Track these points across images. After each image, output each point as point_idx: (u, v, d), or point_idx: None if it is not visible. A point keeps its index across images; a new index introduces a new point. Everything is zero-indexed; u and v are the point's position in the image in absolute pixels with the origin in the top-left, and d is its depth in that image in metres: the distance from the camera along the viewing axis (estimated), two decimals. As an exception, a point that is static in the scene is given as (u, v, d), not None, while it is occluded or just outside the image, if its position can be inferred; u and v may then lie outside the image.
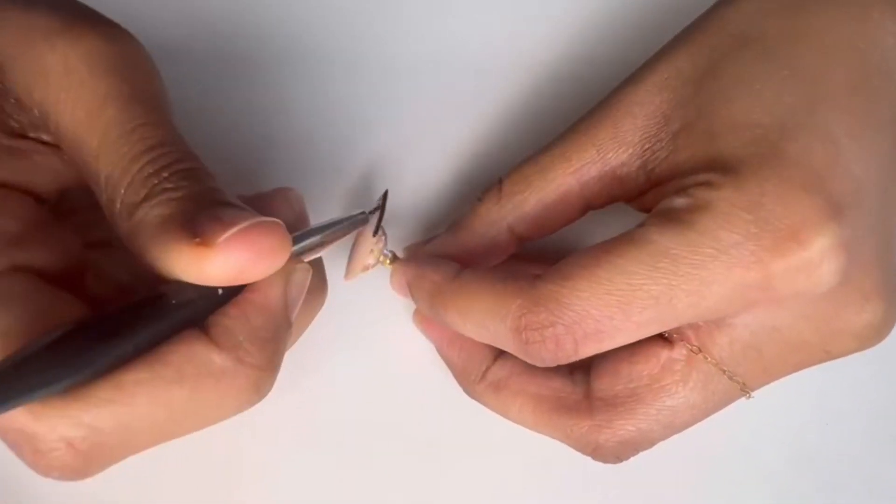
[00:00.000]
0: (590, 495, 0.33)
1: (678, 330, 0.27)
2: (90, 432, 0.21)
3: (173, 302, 0.22)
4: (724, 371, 0.27)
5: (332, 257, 0.29)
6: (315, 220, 0.28)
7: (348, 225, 0.28)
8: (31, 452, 0.21)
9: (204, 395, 0.22)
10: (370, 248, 0.30)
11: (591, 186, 0.28)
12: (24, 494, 0.30)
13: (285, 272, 0.24)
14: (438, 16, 0.34)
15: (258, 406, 0.24)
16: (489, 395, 0.30)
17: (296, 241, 0.25)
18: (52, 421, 0.21)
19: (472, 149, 0.34)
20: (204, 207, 0.22)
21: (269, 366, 0.23)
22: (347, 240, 0.28)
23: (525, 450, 0.32)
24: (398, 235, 0.33)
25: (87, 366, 0.21)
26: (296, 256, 0.25)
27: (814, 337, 0.26)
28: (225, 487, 0.32)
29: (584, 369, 0.29)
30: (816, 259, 0.24)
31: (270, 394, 0.24)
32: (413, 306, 0.32)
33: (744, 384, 0.27)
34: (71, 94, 0.23)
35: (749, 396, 0.27)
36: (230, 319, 0.23)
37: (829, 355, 0.27)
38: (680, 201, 0.24)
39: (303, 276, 0.25)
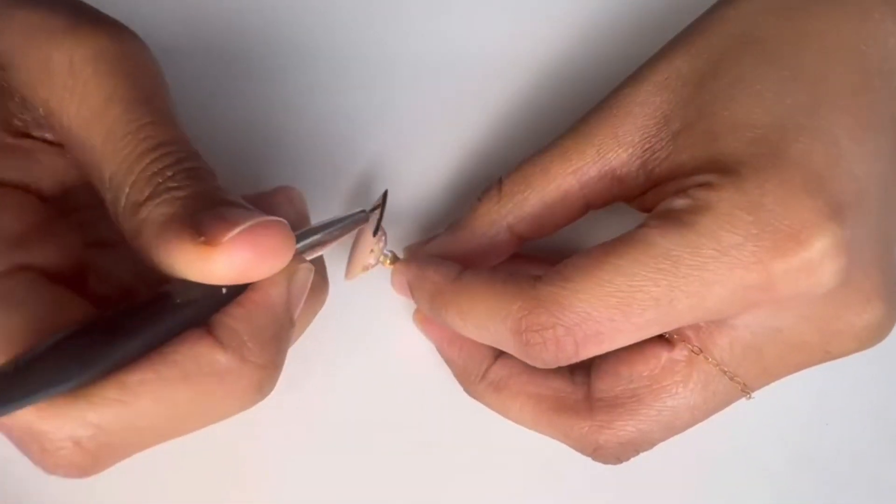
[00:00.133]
0: (590, 495, 0.33)
1: (679, 331, 0.27)
2: (97, 431, 0.21)
3: (177, 301, 0.22)
4: (725, 372, 0.27)
5: (333, 257, 0.29)
6: (315, 219, 0.28)
7: (349, 223, 0.28)
8: (38, 451, 0.21)
9: (208, 393, 0.22)
10: (370, 247, 0.30)
11: (591, 186, 0.28)
12: (24, 495, 0.30)
13: (288, 271, 0.24)
14: (438, 16, 0.34)
15: (259, 405, 0.24)
16: (489, 394, 0.30)
17: (298, 239, 0.25)
18: (58, 420, 0.21)
19: (472, 149, 0.34)
20: (208, 206, 0.22)
21: (272, 364, 0.23)
22: (348, 239, 0.28)
23: (525, 450, 0.32)
24: (398, 235, 0.33)
25: (93, 366, 0.21)
26: (298, 255, 0.25)
27: (814, 337, 0.26)
28: (225, 487, 0.32)
29: (584, 370, 0.29)
30: (817, 260, 0.24)
31: (271, 393, 0.24)
32: (413, 306, 0.32)
33: (744, 385, 0.27)
34: (76, 92, 0.23)
35: (750, 397, 0.28)
36: (234, 319, 0.23)
37: (830, 356, 0.27)
38: (680, 202, 0.24)
39: (305, 275, 0.25)
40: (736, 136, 0.25)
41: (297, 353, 0.28)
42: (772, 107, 0.25)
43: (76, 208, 0.26)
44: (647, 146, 0.27)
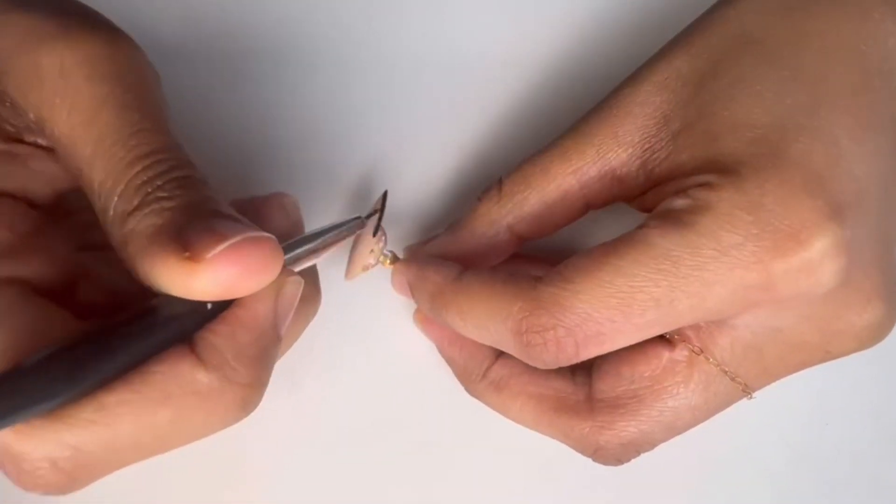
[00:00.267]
0: (590, 495, 0.33)
1: (680, 331, 0.27)
2: (74, 452, 0.21)
3: (163, 315, 0.22)
4: (726, 372, 0.27)
5: (333, 257, 0.29)
6: (314, 219, 0.28)
7: (344, 231, 0.27)
8: (14, 471, 0.21)
9: (189, 413, 0.22)
10: (370, 248, 0.30)
11: (591, 186, 0.28)
12: (23, 494, 0.30)
13: (276, 286, 0.23)
14: (438, 16, 0.34)
15: (259, 405, 0.24)
16: (490, 394, 0.30)
17: (289, 248, 0.25)
18: (35, 441, 0.21)
19: (472, 149, 0.34)
20: (197, 218, 0.22)
21: (256, 383, 0.23)
22: (346, 242, 0.28)
23: (526, 450, 0.32)
24: (398, 235, 0.33)
25: (78, 384, 0.20)
26: (290, 264, 0.25)
27: (815, 337, 0.26)
28: (225, 487, 0.32)
29: (585, 370, 0.29)
30: (817, 259, 0.24)
31: (271, 393, 0.24)
32: (413, 306, 0.32)
33: (745, 385, 0.27)
34: (67, 98, 0.22)
35: (751, 397, 0.28)
36: (217, 337, 0.22)
37: (830, 355, 0.27)
38: (680, 202, 0.24)
39: (294, 289, 0.24)
40: (736, 136, 0.25)
41: (298, 353, 0.28)
42: (772, 107, 0.25)
43: (70, 211, 0.26)
44: (646, 146, 0.27)
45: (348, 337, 0.32)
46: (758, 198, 0.23)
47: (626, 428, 0.27)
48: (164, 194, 0.22)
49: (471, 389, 0.31)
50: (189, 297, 0.22)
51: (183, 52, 0.33)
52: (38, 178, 0.25)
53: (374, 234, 0.29)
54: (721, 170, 0.24)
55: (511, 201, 0.29)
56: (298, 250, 0.25)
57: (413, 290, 0.29)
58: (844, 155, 0.24)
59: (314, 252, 0.26)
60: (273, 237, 0.22)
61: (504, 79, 0.34)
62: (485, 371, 0.30)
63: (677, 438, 0.28)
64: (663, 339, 0.27)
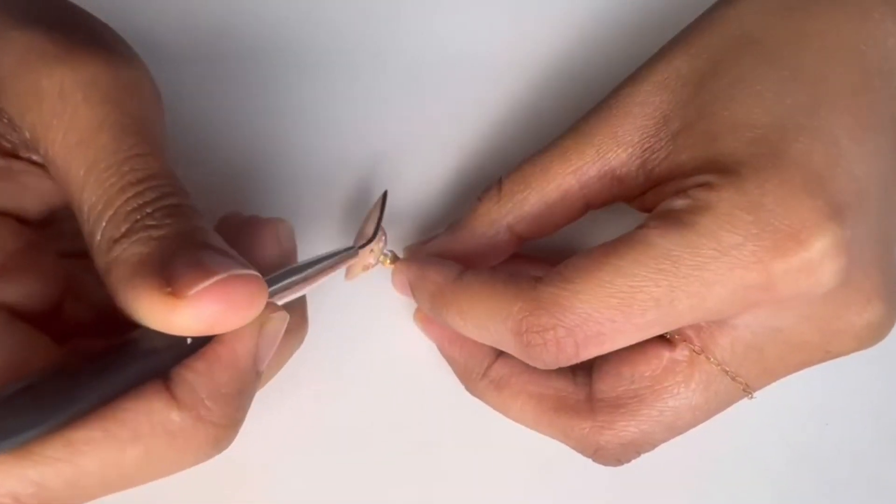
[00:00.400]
0: (590, 495, 0.33)
1: (680, 331, 0.27)
2: (37, 489, 0.20)
3: (142, 348, 0.22)
4: (727, 372, 0.27)
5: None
6: (314, 219, 0.27)
7: (337, 261, 0.27)
8: None
9: (159, 452, 0.21)
10: (370, 247, 0.30)
11: (591, 186, 0.28)
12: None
13: (259, 322, 0.23)
14: (438, 16, 0.34)
15: (259, 405, 0.24)
16: (490, 393, 0.30)
17: (278, 280, 0.24)
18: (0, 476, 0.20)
19: (472, 149, 0.34)
20: (184, 249, 0.21)
21: (230, 423, 0.22)
22: (337, 274, 0.28)
23: (526, 450, 0.32)
24: (398, 235, 0.33)
25: (44, 422, 0.20)
26: (278, 294, 0.24)
27: (815, 337, 0.26)
28: (225, 487, 0.32)
29: (586, 370, 0.29)
30: (817, 259, 0.24)
31: (271, 393, 0.24)
32: (413, 306, 0.32)
33: (746, 385, 0.27)
34: (63, 120, 0.22)
35: (751, 397, 0.28)
36: (194, 374, 0.22)
37: (830, 355, 0.27)
38: (680, 202, 0.24)
39: (278, 325, 0.24)
40: (736, 136, 0.25)
41: (298, 354, 0.28)
42: (772, 107, 0.25)
43: (62, 217, 0.26)
44: (646, 146, 0.27)
45: (348, 337, 0.32)
46: (758, 198, 0.23)
47: (627, 428, 0.27)
48: (153, 222, 0.21)
49: (471, 389, 0.31)
50: (169, 332, 0.21)
51: (181, 52, 0.33)
52: (30, 195, 0.25)
53: (375, 234, 0.29)
54: (721, 170, 0.24)
55: (511, 201, 0.29)
56: (286, 281, 0.25)
57: (413, 290, 0.29)
58: (844, 155, 0.24)
59: (303, 282, 0.25)
60: (258, 275, 0.22)
61: (504, 79, 0.34)
62: (485, 370, 0.30)
63: (677, 438, 0.28)
64: (664, 339, 0.27)
